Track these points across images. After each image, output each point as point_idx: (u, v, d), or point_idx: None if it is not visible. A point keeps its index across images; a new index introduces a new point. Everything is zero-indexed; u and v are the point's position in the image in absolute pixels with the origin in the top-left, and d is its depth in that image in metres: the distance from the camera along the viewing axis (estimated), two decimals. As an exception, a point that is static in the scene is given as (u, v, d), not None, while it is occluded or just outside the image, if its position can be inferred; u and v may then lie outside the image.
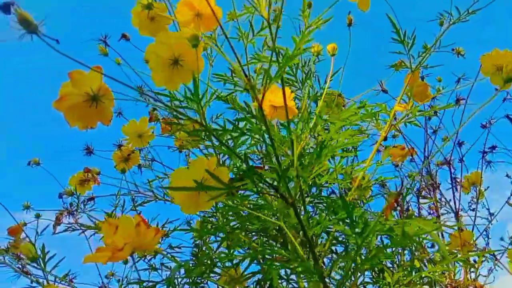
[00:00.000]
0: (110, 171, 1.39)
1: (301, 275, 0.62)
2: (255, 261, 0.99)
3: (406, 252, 1.13)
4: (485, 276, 1.03)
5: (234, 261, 0.99)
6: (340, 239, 0.84)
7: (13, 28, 0.41)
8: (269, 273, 0.72)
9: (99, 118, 0.54)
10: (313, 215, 1.10)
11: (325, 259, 1.09)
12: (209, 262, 0.93)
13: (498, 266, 0.88)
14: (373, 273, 0.91)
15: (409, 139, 1.07)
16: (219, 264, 0.94)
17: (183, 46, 0.71)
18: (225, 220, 0.95)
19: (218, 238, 1.07)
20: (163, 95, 0.96)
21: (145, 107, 1.43)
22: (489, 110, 1.13)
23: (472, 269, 0.98)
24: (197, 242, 1.12)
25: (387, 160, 1.04)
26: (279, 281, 0.88)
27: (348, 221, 0.49)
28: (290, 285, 0.83)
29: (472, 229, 1.17)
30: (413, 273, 0.87)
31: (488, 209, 1.21)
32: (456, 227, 0.99)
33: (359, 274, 0.68)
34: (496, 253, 0.95)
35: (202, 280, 0.94)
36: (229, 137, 1.08)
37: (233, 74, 0.98)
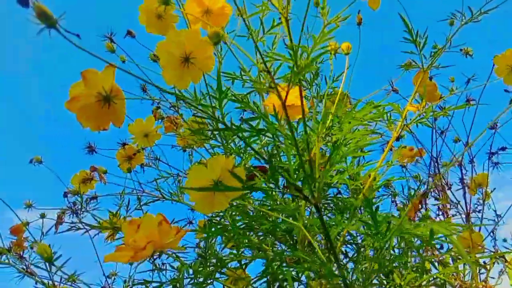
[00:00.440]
0: (112, 170, 1.38)
1: (321, 278, 0.61)
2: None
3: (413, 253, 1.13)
4: (492, 277, 1.02)
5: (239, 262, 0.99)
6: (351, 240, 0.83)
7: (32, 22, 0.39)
8: (281, 274, 0.71)
9: (112, 119, 0.52)
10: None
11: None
12: (217, 262, 0.92)
13: (509, 267, 0.87)
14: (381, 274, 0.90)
15: (417, 139, 1.06)
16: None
17: (194, 43, 0.70)
18: (232, 220, 0.94)
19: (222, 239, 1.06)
20: (170, 93, 0.95)
21: (147, 106, 1.42)
22: (498, 110, 1.12)
23: (482, 271, 0.97)
24: (201, 242, 1.11)
25: (395, 161, 1.03)
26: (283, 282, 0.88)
27: (371, 222, 0.47)
28: (301, 286, 0.81)
29: (479, 231, 1.16)
30: (424, 274, 0.86)
31: (495, 211, 1.21)
32: (470, 228, 0.98)
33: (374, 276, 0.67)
34: (506, 255, 0.94)
35: (210, 281, 0.93)
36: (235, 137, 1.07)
37: (242, 73, 0.97)
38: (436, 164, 1.08)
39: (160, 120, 1.33)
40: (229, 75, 0.96)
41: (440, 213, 1.07)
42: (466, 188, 1.07)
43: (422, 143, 1.07)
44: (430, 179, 1.09)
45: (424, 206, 0.82)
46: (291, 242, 0.95)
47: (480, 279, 0.96)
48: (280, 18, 1.02)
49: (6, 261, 0.93)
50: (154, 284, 1.05)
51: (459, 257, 0.97)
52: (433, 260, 0.89)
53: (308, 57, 0.60)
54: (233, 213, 1.00)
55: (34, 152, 1.36)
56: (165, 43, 0.68)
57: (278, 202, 0.94)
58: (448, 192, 1.06)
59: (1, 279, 1.00)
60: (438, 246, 1.06)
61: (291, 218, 0.90)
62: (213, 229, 0.95)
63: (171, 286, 1.06)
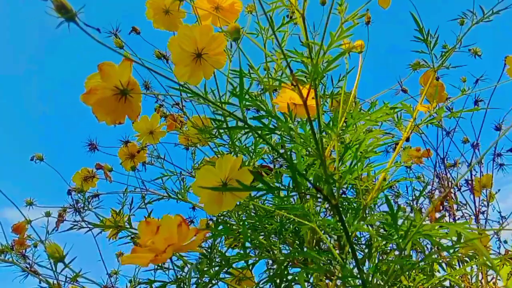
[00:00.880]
0: (114, 168, 1.36)
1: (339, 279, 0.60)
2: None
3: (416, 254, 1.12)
4: (499, 279, 1.01)
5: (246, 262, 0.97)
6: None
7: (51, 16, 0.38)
8: (294, 276, 0.71)
9: (128, 112, 0.51)
10: (327, 216, 1.09)
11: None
12: (221, 262, 0.91)
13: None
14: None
15: (423, 140, 1.05)
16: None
17: (206, 39, 0.69)
18: (239, 220, 0.93)
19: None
20: (180, 90, 0.93)
21: (150, 103, 1.41)
22: (505, 111, 1.12)
23: (489, 272, 0.97)
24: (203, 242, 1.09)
25: (398, 161, 1.02)
26: (291, 282, 0.87)
27: (392, 223, 0.47)
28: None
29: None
30: (432, 276, 0.85)
31: (499, 212, 1.20)
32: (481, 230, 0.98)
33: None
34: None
35: (216, 281, 0.92)
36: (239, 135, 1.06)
37: (250, 70, 0.96)
38: (443, 164, 1.08)
39: (163, 118, 1.32)
40: (237, 72, 0.95)
41: (447, 214, 1.06)
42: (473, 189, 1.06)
43: (428, 144, 1.07)
44: (437, 179, 1.09)
45: (444, 207, 0.82)
46: (298, 242, 0.94)
47: (488, 281, 0.95)
48: (288, 16, 1.02)
49: (10, 259, 0.91)
50: (158, 284, 1.04)
51: (466, 258, 0.97)
52: (440, 261, 0.88)
53: (324, 54, 0.59)
54: (239, 213, 0.99)
55: (33, 150, 1.34)
56: (177, 38, 0.67)
57: (283, 202, 0.93)
58: (457, 193, 1.06)
59: (3, 278, 0.98)
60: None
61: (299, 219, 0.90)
62: (219, 228, 0.94)
63: (175, 285, 1.05)
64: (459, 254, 0.95)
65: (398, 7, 0.94)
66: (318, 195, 0.46)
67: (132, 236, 1.19)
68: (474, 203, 0.96)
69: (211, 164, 1.14)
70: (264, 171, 0.93)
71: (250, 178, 0.62)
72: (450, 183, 1.04)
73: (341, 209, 0.87)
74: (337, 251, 0.98)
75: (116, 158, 1.29)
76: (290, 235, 0.91)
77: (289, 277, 0.79)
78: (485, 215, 1.06)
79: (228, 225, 0.97)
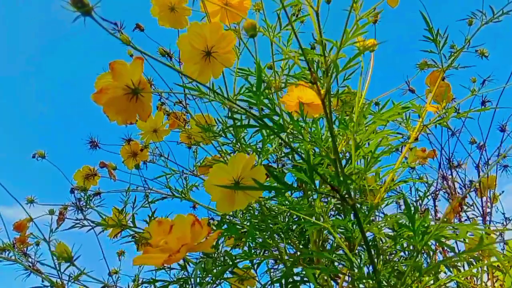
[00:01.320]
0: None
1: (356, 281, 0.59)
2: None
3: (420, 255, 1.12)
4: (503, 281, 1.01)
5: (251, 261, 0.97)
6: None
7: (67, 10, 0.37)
8: (304, 276, 0.70)
9: (138, 112, 0.50)
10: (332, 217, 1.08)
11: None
12: (224, 261, 0.90)
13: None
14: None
15: (430, 140, 1.05)
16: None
17: (216, 37, 0.68)
18: (245, 219, 0.92)
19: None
20: (190, 88, 0.92)
21: (154, 101, 1.39)
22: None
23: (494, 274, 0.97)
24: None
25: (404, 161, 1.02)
26: (296, 283, 0.86)
27: (409, 225, 0.46)
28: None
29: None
30: (438, 278, 0.85)
31: (503, 214, 1.20)
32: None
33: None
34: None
35: (220, 281, 0.91)
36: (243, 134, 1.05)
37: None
38: (449, 165, 1.07)
39: (166, 116, 1.30)
40: (243, 71, 0.94)
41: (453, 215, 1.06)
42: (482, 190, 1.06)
43: (434, 144, 1.06)
44: (442, 180, 1.08)
45: (463, 209, 0.81)
46: (303, 242, 0.93)
47: (494, 283, 0.95)
48: (293, 14, 1.01)
49: (13, 258, 0.90)
50: (160, 283, 1.03)
51: (471, 259, 0.97)
52: (448, 263, 0.88)
53: (338, 52, 0.58)
54: (243, 212, 0.99)
55: (34, 149, 1.32)
56: (187, 36, 0.66)
57: (287, 201, 0.92)
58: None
59: (5, 277, 0.97)
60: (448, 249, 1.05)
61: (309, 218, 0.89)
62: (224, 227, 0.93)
63: (177, 285, 1.04)
64: (464, 255, 0.95)
65: (404, 6, 0.94)
66: (335, 195, 0.45)
67: (134, 235, 1.18)
68: (482, 204, 0.96)
69: (215, 162, 1.13)
70: (273, 170, 0.93)
71: (263, 177, 0.62)
72: (455, 184, 1.04)
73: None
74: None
75: (117, 156, 1.28)
76: (296, 235, 0.90)
77: (297, 278, 0.79)
78: (490, 216, 1.06)
79: (233, 224, 0.97)
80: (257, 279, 1.04)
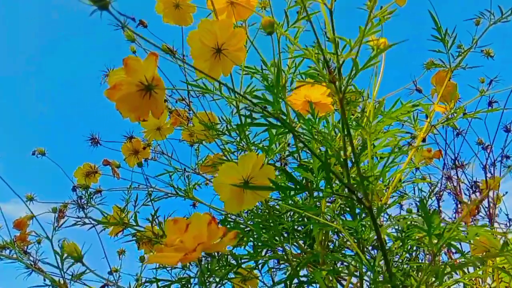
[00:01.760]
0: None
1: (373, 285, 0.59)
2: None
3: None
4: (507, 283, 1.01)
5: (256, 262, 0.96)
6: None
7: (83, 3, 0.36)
8: (314, 277, 0.69)
9: (152, 109, 0.49)
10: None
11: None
12: (235, 262, 0.89)
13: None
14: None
15: (436, 141, 1.04)
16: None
17: (226, 35, 0.67)
18: (249, 219, 0.91)
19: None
20: (196, 86, 0.91)
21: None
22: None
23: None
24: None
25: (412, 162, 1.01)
26: (303, 284, 0.85)
27: (425, 227, 0.45)
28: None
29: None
30: (443, 280, 0.84)
31: (507, 215, 1.20)
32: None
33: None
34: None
35: (224, 281, 0.90)
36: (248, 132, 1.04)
37: (263, 67, 0.94)
38: (454, 165, 1.07)
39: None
40: (250, 69, 0.93)
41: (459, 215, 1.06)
42: (490, 191, 1.06)
43: (440, 144, 1.06)
44: (446, 180, 1.08)
45: (479, 211, 0.81)
46: (309, 242, 0.92)
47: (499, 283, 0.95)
48: (298, 12, 1.00)
49: (14, 256, 0.89)
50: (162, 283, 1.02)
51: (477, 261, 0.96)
52: (453, 264, 0.87)
53: (351, 50, 0.57)
54: (248, 212, 0.98)
55: (34, 146, 1.31)
56: (198, 32, 0.65)
57: (291, 201, 0.92)
58: (473, 195, 1.05)
59: (5, 276, 0.96)
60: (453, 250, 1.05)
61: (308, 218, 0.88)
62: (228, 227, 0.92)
63: (179, 284, 1.03)
64: (469, 256, 0.95)
65: (411, 5, 0.93)
66: (352, 197, 0.44)
67: (136, 233, 1.17)
68: (488, 206, 0.95)
69: (220, 161, 1.12)
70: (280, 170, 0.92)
71: (272, 176, 0.61)
72: (460, 185, 1.04)
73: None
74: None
75: (118, 154, 1.27)
76: (301, 235, 0.89)
77: (303, 279, 0.78)
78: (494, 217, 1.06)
79: (237, 224, 0.96)
80: (260, 279, 1.04)
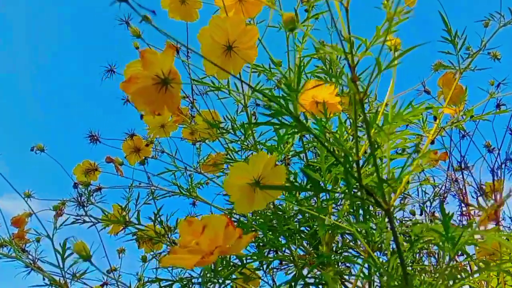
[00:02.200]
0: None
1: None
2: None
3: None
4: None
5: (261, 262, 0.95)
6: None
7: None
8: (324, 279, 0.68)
9: (167, 103, 0.48)
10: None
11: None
12: (226, 262, 0.88)
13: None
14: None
15: (442, 142, 1.04)
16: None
17: (237, 32, 0.66)
18: (254, 219, 0.90)
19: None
20: (204, 83, 0.90)
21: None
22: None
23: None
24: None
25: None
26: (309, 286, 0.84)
27: (443, 231, 0.44)
28: None
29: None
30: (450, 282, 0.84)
31: (510, 218, 1.20)
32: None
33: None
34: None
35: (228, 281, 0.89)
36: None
37: (271, 66, 0.93)
38: (459, 167, 1.06)
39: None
40: (257, 67, 0.92)
41: (464, 218, 1.05)
42: (497, 194, 1.05)
43: (446, 146, 1.05)
44: (450, 182, 1.07)
45: (498, 216, 0.80)
46: (314, 243, 0.91)
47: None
48: (305, 10, 0.99)
49: (13, 254, 0.87)
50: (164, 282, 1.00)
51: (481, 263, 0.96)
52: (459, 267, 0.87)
53: (367, 50, 0.56)
54: (253, 212, 0.96)
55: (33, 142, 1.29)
56: (209, 29, 0.64)
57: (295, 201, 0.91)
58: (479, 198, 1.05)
59: (4, 274, 0.94)
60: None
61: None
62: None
63: (180, 284, 1.02)
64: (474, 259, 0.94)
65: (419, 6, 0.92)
66: (370, 199, 0.43)
67: (136, 232, 1.15)
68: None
69: (223, 161, 1.11)
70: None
71: (284, 176, 0.60)
72: (466, 187, 1.03)
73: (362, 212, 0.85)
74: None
75: (117, 152, 1.25)
76: (307, 236, 0.88)
77: (310, 280, 0.77)
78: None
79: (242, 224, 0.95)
80: (263, 279, 1.03)
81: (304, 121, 0.86)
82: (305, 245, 0.91)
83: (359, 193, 0.63)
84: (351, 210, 0.88)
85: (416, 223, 0.76)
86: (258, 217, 0.92)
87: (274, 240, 0.81)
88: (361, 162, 0.55)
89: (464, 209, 1.01)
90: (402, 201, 1.25)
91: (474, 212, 1.05)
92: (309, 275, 0.78)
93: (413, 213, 1.18)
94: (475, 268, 0.95)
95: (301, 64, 0.88)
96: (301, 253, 0.94)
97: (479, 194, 1.04)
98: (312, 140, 0.76)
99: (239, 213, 0.82)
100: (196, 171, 1.27)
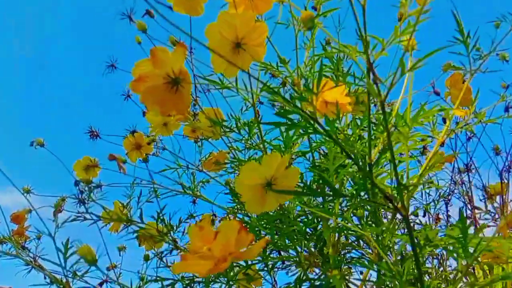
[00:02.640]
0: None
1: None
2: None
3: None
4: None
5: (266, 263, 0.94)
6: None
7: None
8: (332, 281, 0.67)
9: (178, 103, 0.46)
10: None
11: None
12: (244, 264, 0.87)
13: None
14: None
15: (449, 145, 1.03)
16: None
17: (247, 28, 0.64)
18: (258, 219, 0.89)
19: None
20: (212, 81, 0.88)
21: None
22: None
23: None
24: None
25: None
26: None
27: (461, 239, 0.43)
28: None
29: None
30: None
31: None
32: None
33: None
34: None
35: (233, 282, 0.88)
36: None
37: (278, 64, 0.91)
38: (465, 169, 1.05)
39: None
40: (265, 65, 0.91)
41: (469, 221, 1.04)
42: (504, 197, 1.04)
43: (453, 149, 1.04)
44: (455, 185, 1.06)
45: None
46: (320, 245, 0.90)
47: None
48: (313, 8, 0.97)
49: (14, 252, 0.85)
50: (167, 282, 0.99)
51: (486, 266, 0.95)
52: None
53: (383, 50, 0.55)
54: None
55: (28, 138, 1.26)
56: (217, 24, 0.62)
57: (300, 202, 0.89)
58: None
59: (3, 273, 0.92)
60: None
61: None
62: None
63: (181, 283, 1.01)
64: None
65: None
66: (389, 205, 0.42)
67: (137, 230, 1.13)
68: (502, 211, 0.94)
69: (228, 161, 1.09)
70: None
71: (297, 178, 0.58)
72: (472, 190, 1.02)
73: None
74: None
75: (118, 149, 1.23)
76: (312, 237, 0.87)
77: (317, 282, 0.76)
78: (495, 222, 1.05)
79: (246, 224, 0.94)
80: (265, 278, 1.01)
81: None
82: (311, 246, 0.90)
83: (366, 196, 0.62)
84: (354, 211, 0.87)
85: (426, 227, 0.75)
86: (262, 217, 0.91)
87: (279, 241, 0.80)
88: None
89: (469, 211, 1.00)
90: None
91: (480, 215, 1.04)
92: (314, 277, 0.77)
93: (416, 215, 1.17)
94: (480, 271, 0.94)
95: (309, 63, 0.87)
96: (305, 253, 0.92)
97: (486, 197, 1.03)
98: (323, 140, 0.75)
99: (250, 213, 0.81)
100: (198, 169, 1.26)
